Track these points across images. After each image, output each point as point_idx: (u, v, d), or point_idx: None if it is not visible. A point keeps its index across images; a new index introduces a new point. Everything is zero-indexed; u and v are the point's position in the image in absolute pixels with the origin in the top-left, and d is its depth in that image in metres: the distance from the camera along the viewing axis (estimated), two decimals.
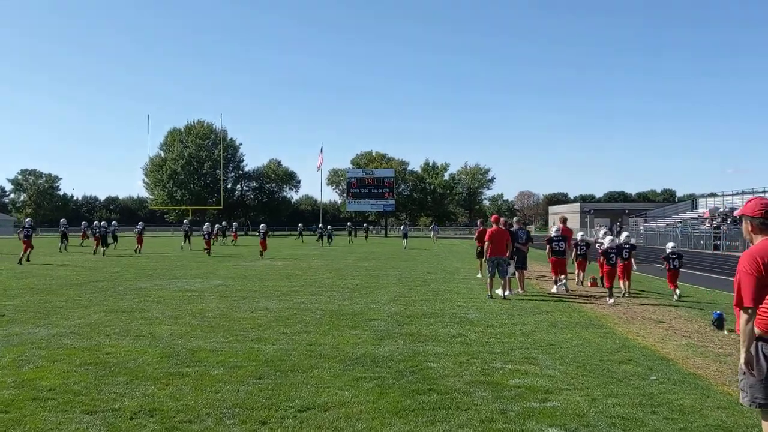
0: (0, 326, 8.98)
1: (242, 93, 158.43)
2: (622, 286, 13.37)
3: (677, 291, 12.94)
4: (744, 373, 3.62)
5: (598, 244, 15.27)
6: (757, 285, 3.45)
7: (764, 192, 46.50)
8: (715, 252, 36.33)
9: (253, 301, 11.99)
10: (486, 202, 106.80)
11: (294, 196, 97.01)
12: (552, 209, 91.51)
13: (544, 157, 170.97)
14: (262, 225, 29.22)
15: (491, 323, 9.47)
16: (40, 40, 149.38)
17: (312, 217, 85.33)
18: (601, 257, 13.62)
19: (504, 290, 12.75)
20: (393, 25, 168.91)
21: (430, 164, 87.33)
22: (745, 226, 3.75)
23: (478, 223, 20.40)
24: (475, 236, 18.27)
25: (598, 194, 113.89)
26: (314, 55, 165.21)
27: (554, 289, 13.93)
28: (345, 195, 78.76)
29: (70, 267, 20.77)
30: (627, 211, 71.07)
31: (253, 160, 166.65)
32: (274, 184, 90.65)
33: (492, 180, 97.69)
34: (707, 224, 43.04)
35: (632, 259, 13.45)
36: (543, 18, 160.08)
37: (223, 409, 5.12)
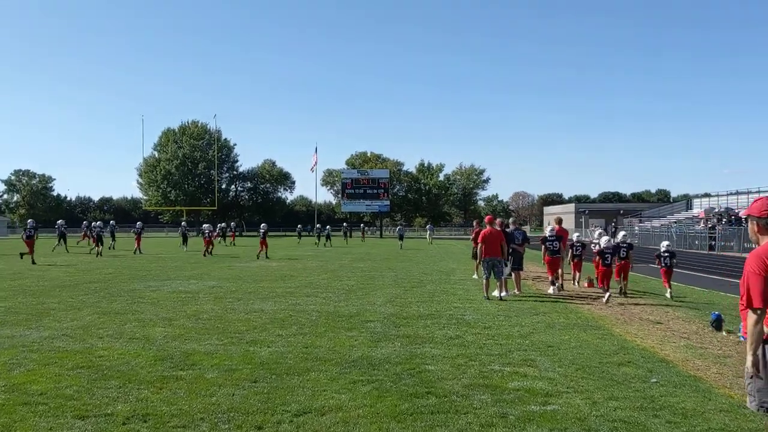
0: None
1: (237, 93, 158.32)
2: (619, 284, 13.39)
3: (669, 292, 13.07)
4: (751, 377, 3.55)
5: (593, 245, 15.24)
6: (766, 285, 3.39)
7: (759, 192, 46.66)
8: (710, 252, 36.38)
9: (248, 302, 11.88)
10: (481, 203, 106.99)
11: (289, 196, 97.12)
12: (547, 210, 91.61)
13: (540, 157, 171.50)
14: (262, 225, 29.24)
15: (488, 325, 9.40)
16: (35, 41, 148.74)
17: (307, 218, 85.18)
18: (597, 257, 13.59)
19: (500, 291, 12.68)
20: (388, 25, 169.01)
21: (425, 165, 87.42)
22: (751, 227, 3.68)
23: (475, 224, 20.33)
24: (471, 237, 18.20)
25: (593, 195, 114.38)
26: (309, 56, 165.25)
27: (550, 290, 13.88)
28: (340, 196, 78.70)
29: (63, 268, 20.60)
30: (622, 212, 71.13)
31: (247, 160, 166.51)
32: (268, 185, 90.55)
33: (487, 180, 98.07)
34: (702, 224, 43.13)
35: (630, 258, 13.48)
36: (539, 18, 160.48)
37: (218, 414, 5.02)
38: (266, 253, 27.15)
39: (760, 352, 3.49)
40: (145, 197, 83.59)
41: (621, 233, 15.36)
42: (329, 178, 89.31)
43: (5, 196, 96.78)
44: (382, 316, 10.13)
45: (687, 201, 63.64)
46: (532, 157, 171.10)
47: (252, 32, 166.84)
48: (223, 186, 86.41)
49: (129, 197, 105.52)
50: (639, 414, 5.05)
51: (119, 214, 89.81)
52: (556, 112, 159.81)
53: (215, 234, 39.26)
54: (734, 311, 10.81)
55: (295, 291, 13.87)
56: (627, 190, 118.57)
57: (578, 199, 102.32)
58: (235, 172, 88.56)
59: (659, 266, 13.66)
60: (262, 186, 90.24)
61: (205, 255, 28.19)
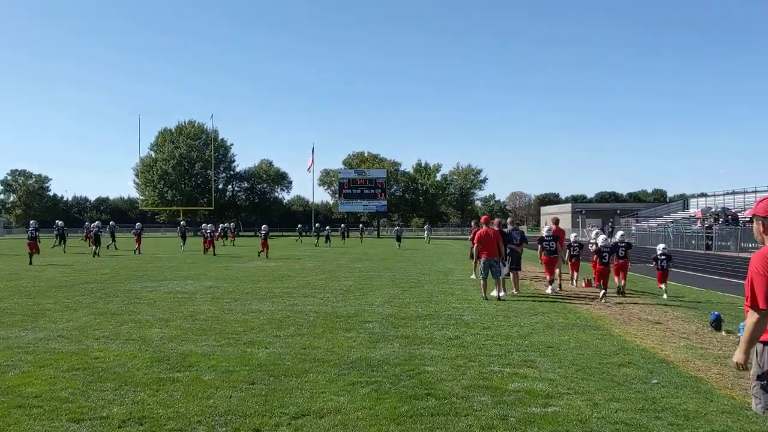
0: None
1: (234, 94, 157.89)
2: (617, 283, 13.46)
3: (662, 294, 13.18)
4: (758, 378, 3.50)
5: (591, 245, 15.22)
6: None
7: (755, 191, 46.74)
8: (707, 252, 36.42)
9: (246, 303, 11.82)
10: (478, 203, 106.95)
11: (286, 196, 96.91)
12: (544, 209, 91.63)
13: (537, 157, 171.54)
14: (264, 226, 29.31)
15: (487, 325, 9.35)
16: (32, 43, 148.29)
17: (304, 218, 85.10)
18: (595, 256, 13.59)
19: (498, 291, 12.64)
20: (386, 25, 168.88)
21: (422, 165, 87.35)
22: (757, 227, 3.63)
23: (473, 224, 20.29)
24: (470, 237, 18.17)
25: (590, 194, 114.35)
26: (306, 56, 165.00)
27: (548, 290, 13.86)
28: (337, 196, 78.61)
29: (60, 268, 20.49)
30: (618, 211, 71.23)
31: (244, 160, 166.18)
32: (265, 185, 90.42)
33: (484, 180, 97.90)
34: (699, 224, 43.17)
35: (628, 258, 13.53)
36: (537, 18, 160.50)
37: (215, 417, 4.96)
38: (266, 253, 27.30)
39: (760, 351, 3.46)
40: (141, 197, 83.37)
41: (619, 233, 15.35)
42: (326, 178, 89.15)
43: (2, 197, 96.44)
44: (381, 317, 10.07)
45: (684, 201, 63.75)
46: (530, 157, 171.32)
47: (249, 32, 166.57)
48: (220, 186, 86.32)
49: (126, 197, 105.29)
50: (641, 416, 5.00)
51: (116, 214, 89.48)
52: (553, 113, 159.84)
53: (218, 234, 39.33)
54: (733, 311, 10.79)
55: (292, 291, 13.81)
56: (624, 189, 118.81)
57: (575, 199, 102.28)
58: (231, 172, 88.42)
59: (656, 268, 13.70)
60: (258, 186, 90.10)
61: (204, 252, 28.42)
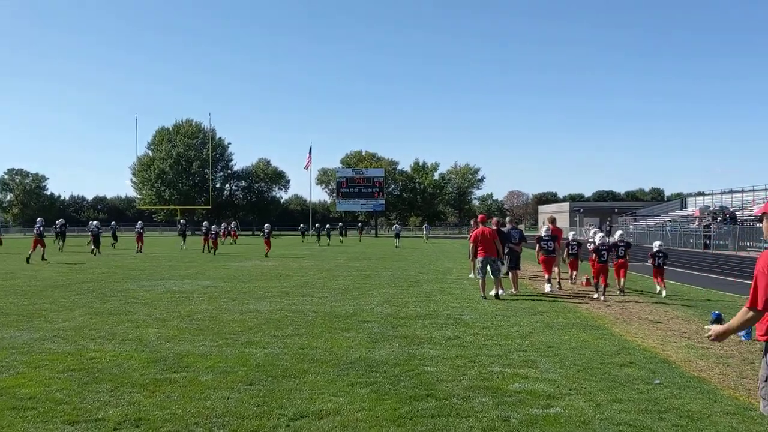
0: None
1: (231, 93, 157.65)
2: (617, 282, 13.46)
3: (662, 292, 13.25)
4: (766, 380, 3.44)
5: (589, 243, 15.18)
6: None
7: (753, 191, 46.77)
8: (705, 251, 36.41)
9: (243, 302, 11.74)
10: (476, 202, 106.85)
11: (283, 195, 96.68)
12: (541, 208, 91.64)
13: (535, 157, 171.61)
14: (266, 225, 29.41)
15: (487, 325, 9.28)
16: (29, 42, 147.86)
17: (302, 217, 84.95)
18: (593, 254, 13.55)
19: (497, 290, 12.60)
20: (385, 25, 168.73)
21: (420, 164, 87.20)
22: (766, 225, 3.57)
23: (472, 223, 20.21)
24: (469, 236, 18.11)
25: (587, 193, 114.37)
26: (304, 55, 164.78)
27: (547, 288, 13.85)
28: (335, 195, 78.48)
29: (57, 267, 20.37)
30: (616, 210, 71.20)
31: (242, 159, 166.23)
32: (263, 184, 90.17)
33: (482, 180, 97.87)
34: (697, 223, 43.16)
35: (628, 257, 13.55)
36: (534, 18, 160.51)
37: (212, 418, 4.88)
38: (267, 252, 27.53)
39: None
40: (139, 196, 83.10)
41: (618, 232, 15.31)
42: (324, 177, 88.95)
43: None
44: (380, 317, 10.00)
45: (681, 200, 63.75)
46: (527, 157, 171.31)
47: (247, 32, 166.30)
48: (218, 185, 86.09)
49: (123, 196, 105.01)
50: (644, 417, 4.93)
51: (113, 214, 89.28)
52: (551, 112, 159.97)
53: (222, 233, 39.29)
54: (733, 310, 10.72)
55: (290, 291, 13.73)
56: (621, 188, 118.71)
57: (572, 198, 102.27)
58: (229, 171, 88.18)
59: (652, 265, 13.86)
60: (256, 185, 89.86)
61: (203, 251, 28.52)
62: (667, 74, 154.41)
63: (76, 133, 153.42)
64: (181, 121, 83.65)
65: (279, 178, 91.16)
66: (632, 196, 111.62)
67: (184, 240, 35.43)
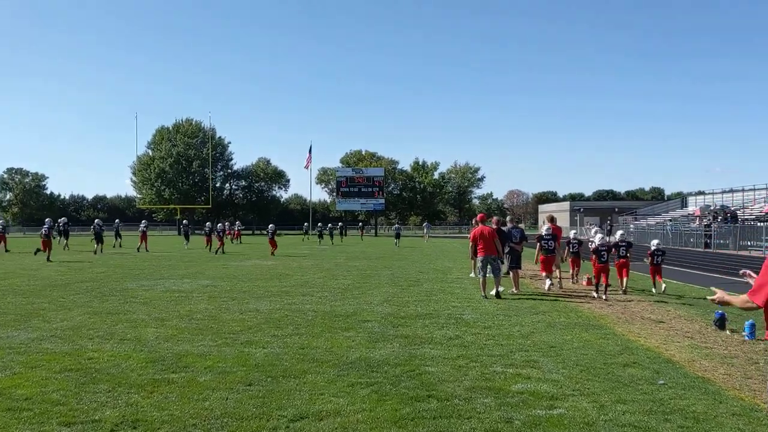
0: None
1: (231, 92, 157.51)
2: (620, 282, 13.45)
3: (661, 286, 13.41)
4: None
5: (590, 243, 15.13)
6: None
7: (753, 190, 46.71)
8: (705, 250, 36.33)
9: (243, 302, 11.67)
10: (475, 201, 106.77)
11: (283, 195, 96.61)
12: (541, 208, 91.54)
13: (535, 156, 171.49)
14: (270, 225, 29.54)
15: (488, 324, 9.21)
16: (28, 42, 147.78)
17: (302, 217, 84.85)
18: (593, 255, 13.51)
19: (497, 288, 12.57)
20: (384, 25, 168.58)
21: (420, 163, 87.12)
22: None
23: (473, 222, 20.16)
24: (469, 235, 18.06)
25: (588, 193, 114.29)
26: (303, 54, 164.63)
27: (547, 283, 13.87)
28: (335, 194, 78.39)
29: (56, 267, 20.30)
30: (616, 210, 71.13)
31: (242, 158, 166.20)
32: (263, 183, 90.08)
33: (482, 179, 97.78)
34: (698, 222, 43.09)
35: (629, 256, 13.54)
36: (534, 19, 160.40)
37: (210, 420, 4.81)
38: (272, 251, 27.74)
39: None
40: (138, 195, 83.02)
41: (619, 232, 15.25)
42: (324, 177, 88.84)
43: None
44: (380, 316, 9.93)
45: (682, 199, 63.71)
46: (528, 157, 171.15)
47: (247, 32, 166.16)
48: (218, 184, 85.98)
49: (123, 195, 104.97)
50: (649, 418, 4.86)
51: (113, 213, 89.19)
52: (551, 113, 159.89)
53: (228, 231, 39.28)
54: (735, 310, 10.65)
55: (290, 290, 13.66)
56: (621, 188, 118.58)
57: (573, 197, 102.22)
58: (229, 171, 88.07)
59: (650, 264, 13.94)
60: (256, 184, 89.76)
61: (210, 251, 29.21)
62: (667, 74, 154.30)
63: (76, 132, 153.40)
64: (181, 120, 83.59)
65: (279, 178, 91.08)
66: (632, 195, 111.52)
67: (188, 239, 35.43)
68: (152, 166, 78.55)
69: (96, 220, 31.46)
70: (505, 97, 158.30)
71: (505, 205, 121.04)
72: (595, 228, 19.00)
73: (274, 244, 28.11)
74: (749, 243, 34.07)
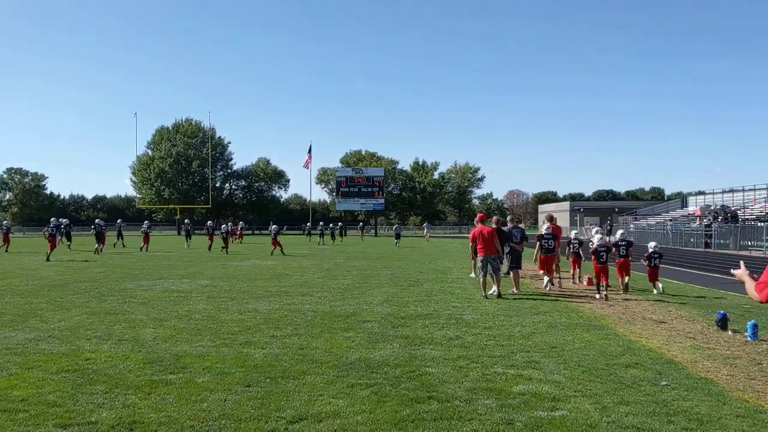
0: None
1: (231, 92, 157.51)
2: (620, 282, 13.48)
3: (659, 286, 13.43)
4: None
5: (590, 244, 15.09)
6: None
7: (754, 190, 46.66)
8: (706, 250, 36.28)
9: (242, 302, 11.60)
10: (475, 201, 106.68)
11: (283, 195, 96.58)
12: (541, 208, 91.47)
13: (535, 156, 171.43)
14: (274, 226, 29.53)
15: (488, 325, 9.15)
16: (27, 42, 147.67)
17: (301, 217, 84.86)
18: (592, 255, 13.47)
19: (497, 288, 12.53)
20: (384, 25, 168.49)
21: (420, 163, 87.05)
22: None
23: (475, 222, 20.05)
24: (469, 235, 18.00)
25: (587, 193, 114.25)
26: (303, 54, 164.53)
27: (545, 280, 13.87)
28: (334, 194, 78.31)
29: (54, 267, 20.23)
30: (616, 210, 71.08)
31: (241, 158, 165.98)
32: (263, 183, 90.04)
33: (482, 179, 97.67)
34: (698, 222, 43.03)
35: (630, 256, 13.54)
36: (533, 19, 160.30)
37: (208, 421, 4.75)
38: (272, 251, 27.80)
39: None
40: (138, 195, 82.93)
41: (620, 231, 15.19)
42: (324, 177, 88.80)
43: None
44: (380, 316, 9.87)
45: (682, 199, 63.66)
46: (528, 157, 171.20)
47: (247, 32, 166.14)
48: (217, 184, 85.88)
49: (123, 195, 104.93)
50: (652, 420, 4.80)
51: (113, 213, 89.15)
52: (551, 113, 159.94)
53: (231, 231, 39.25)
54: (737, 310, 10.61)
55: (289, 290, 13.60)
56: (621, 188, 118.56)
57: (572, 197, 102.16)
58: (229, 171, 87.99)
59: (647, 266, 13.94)
60: (256, 184, 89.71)
61: (222, 249, 29.38)
62: (667, 74, 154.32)
63: (75, 132, 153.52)
64: (181, 120, 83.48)
65: (279, 178, 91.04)
66: (632, 195, 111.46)
67: (189, 239, 35.39)
68: (152, 166, 78.45)
69: (97, 220, 31.42)
70: (505, 97, 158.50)
71: (505, 205, 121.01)
72: (596, 228, 18.94)
73: (278, 244, 28.11)
74: (749, 243, 34.01)
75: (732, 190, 50.23)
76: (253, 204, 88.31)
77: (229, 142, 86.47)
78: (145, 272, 18.35)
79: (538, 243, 14.41)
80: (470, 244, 13.58)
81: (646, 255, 13.98)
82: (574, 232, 16.70)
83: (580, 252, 15.44)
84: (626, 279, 13.40)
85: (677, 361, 6.87)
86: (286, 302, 11.57)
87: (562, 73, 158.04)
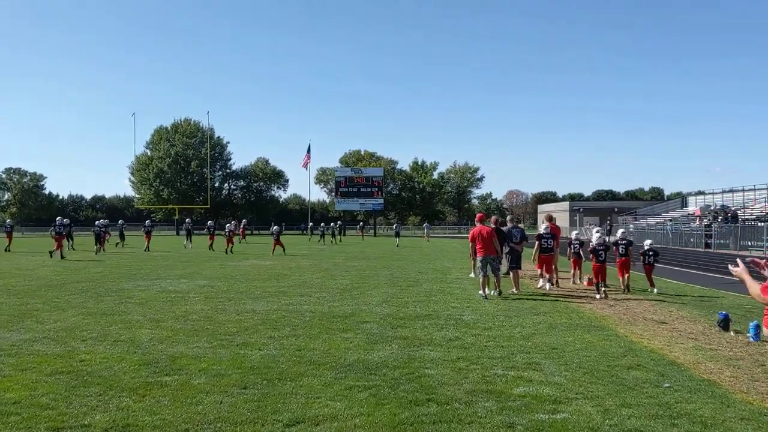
0: None
1: (230, 92, 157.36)
2: (620, 281, 13.50)
3: (653, 291, 13.39)
4: None
5: (591, 243, 15.03)
6: None
7: (754, 190, 46.58)
8: (706, 250, 36.20)
9: (240, 302, 11.52)
10: (475, 201, 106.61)
11: (282, 195, 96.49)
12: (541, 208, 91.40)
13: (534, 156, 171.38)
14: (276, 227, 29.54)
15: (488, 325, 9.07)
16: (27, 42, 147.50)
17: (300, 217, 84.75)
18: (591, 255, 13.43)
19: (497, 288, 12.45)
20: (383, 25, 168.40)
21: (419, 163, 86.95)
22: None
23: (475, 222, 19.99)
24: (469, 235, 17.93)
25: (587, 193, 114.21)
26: (302, 54, 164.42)
27: (540, 284, 13.77)
28: (333, 194, 78.18)
29: (52, 267, 20.14)
30: (616, 210, 70.98)
31: (240, 158, 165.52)
32: (261, 183, 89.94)
33: (481, 179, 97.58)
34: (698, 222, 42.96)
35: (630, 255, 13.49)
36: (533, 19, 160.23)
37: (204, 425, 4.67)
38: (273, 251, 27.85)
39: None
40: (137, 195, 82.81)
41: (620, 231, 15.11)
42: (323, 177, 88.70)
43: None
44: (378, 317, 9.78)
45: (682, 199, 63.55)
46: (528, 157, 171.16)
47: (247, 32, 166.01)
48: (216, 184, 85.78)
49: (122, 195, 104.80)
50: (655, 423, 4.72)
51: (112, 213, 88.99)
52: (551, 113, 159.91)
53: (238, 231, 39.21)
54: (739, 310, 10.53)
55: (288, 290, 13.51)
56: (621, 188, 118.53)
57: (572, 197, 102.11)
58: (228, 171, 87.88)
59: (643, 263, 13.98)
60: (255, 184, 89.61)
61: (225, 250, 29.24)
62: (666, 74, 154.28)
63: (75, 132, 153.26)
64: (180, 120, 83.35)
65: (278, 178, 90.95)
66: (632, 195, 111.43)
67: (190, 239, 35.28)
68: (151, 166, 78.33)
69: (97, 222, 31.36)
70: (505, 97, 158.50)
71: (505, 205, 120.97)
72: (596, 228, 18.88)
73: (280, 244, 28.11)
74: (749, 243, 33.94)
75: (732, 190, 50.14)
76: (251, 204, 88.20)
77: (228, 142, 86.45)
78: (143, 272, 18.25)
79: (537, 242, 14.35)
80: (470, 244, 13.51)
81: (640, 252, 13.98)
82: (575, 232, 16.62)
83: (581, 252, 15.36)
84: (627, 277, 13.37)
85: (679, 362, 6.79)
86: (284, 303, 11.48)
87: (562, 73, 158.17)
